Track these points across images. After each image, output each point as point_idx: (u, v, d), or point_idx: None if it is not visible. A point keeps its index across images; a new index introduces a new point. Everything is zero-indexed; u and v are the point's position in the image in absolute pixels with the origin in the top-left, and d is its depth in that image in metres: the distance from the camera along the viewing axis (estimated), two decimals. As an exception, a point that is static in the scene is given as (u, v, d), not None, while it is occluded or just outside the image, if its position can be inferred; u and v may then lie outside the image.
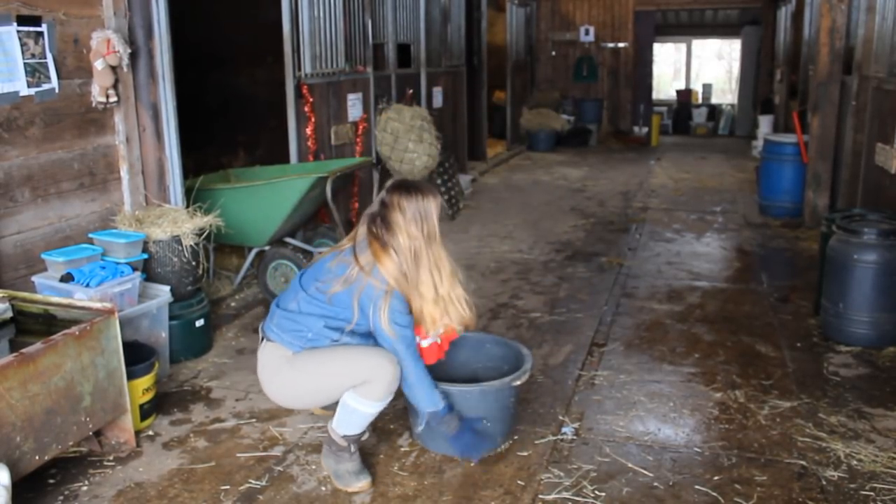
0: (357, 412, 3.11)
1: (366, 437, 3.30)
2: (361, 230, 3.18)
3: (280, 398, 3.25)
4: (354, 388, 3.07)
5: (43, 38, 3.95)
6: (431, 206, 3.13)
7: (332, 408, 3.26)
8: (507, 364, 3.59)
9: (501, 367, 3.60)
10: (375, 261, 3.06)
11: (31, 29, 3.88)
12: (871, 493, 3.08)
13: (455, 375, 3.64)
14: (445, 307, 3.19)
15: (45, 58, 3.98)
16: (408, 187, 3.15)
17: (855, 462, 3.31)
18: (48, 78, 4.01)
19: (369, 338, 3.20)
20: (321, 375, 3.09)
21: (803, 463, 3.31)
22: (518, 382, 3.34)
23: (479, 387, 3.29)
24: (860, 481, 3.17)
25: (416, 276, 3.10)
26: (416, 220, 3.09)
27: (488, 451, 3.39)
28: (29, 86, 3.90)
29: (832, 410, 3.78)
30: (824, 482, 3.17)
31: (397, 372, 3.08)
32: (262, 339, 3.24)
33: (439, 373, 3.54)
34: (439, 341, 3.31)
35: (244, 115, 8.27)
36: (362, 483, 3.14)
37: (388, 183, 3.23)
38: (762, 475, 3.22)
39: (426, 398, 3.15)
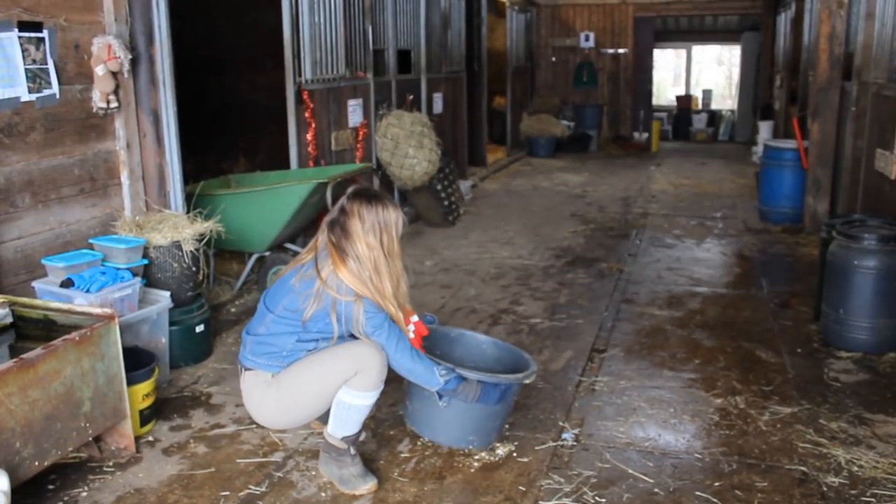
0: (353, 407, 3.10)
1: (362, 437, 3.30)
2: (321, 238, 3.15)
3: (274, 422, 3.25)
4: (347, 383, 3.06)
5: (44, 44, 3.96)
6: (391, 217, 3.11)
7: (327, 419, 3.25)
8: (500, 366, 3.59)
9: (493, 367, 3.61)
10: (335, 271, 3.04)
11: (33, 35, 3.89)
12: (873, 500, 3.08)
13: None
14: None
15: (46, 63, 3.98)
16: (369, 197, 3.12)
17: (856, 468, 3.30)
18: (49, 84, 4.02)
19: (343, 340, 3.18)
20: (310, 383, 3.08)
21: (804, 469, 3.31)
22: (527, 381, 3.35)
23: (495, 377, 3.29)
24: (861, 487, 3.16)
25: (381, 285, 3.08)
26: (375, 230, 3.06)
27: (485, 445, 3.42)
28: (30, 91, 3.91)
29: (833, 416, 3.78)
30: (825, 488, 3.16)
31: (384, 358, 3.08)
32: (241, 369, 3.23)
33: None
34: (413, 335, 3.30)
35: (244, 120, 8.29)
36: (369, 485, 3.14)
37: (350, 189, 3.20)
38: (763, 481, 3.22)
39: (426, 380, 3.15)
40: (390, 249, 3.11)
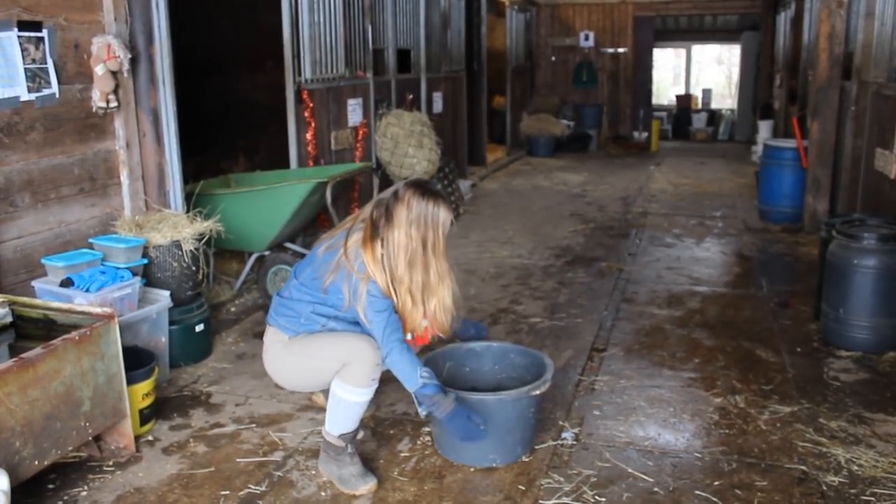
0: (344, 402, 3.11)
1: (360, 436, 3.30)
2: (366, 211, 3.17)
3: (279, 380, 3.34)
4: (338, 374, 3.08)
5: (43, 44, 3.96)
6: (440, 216, 3.09)
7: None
8: (530, 374, 3.57)
9: (524, 376, 3.59)
10: (361, 246, 3.06)
11: (32, 34, 3.89)
12: (872, 499, 3.08)
13: (479, 385, 3.66)
14: (431, 314, 3.17)
15: (46, 63, 3.98)
16: (424, 190, 3.10)
17: (855, 467, 3.30)
18: (48, 83, 4.02)
19: (357, 325, 3.19)
20: (309, 358, 3.14)
21: (804, 468, 3.31)
22: (537, 392, 3.30)
23: (497, 395, 3.27)
24: (861, 486, 3.17)
25: (408, 277, 3.08)
26: (419, 223, 3.05)
27: (510, 461, 3.37)
28: (29, 91, 3.91)
29: (832, 415, 3.78)
30: (825, 487, 3.16)
31: (377, 356, 3.06)
32: (268, 324, 3.34)
33: (463, 383, 3.55)
34: (411, 337, 3.28)
35: (244, 120, 8.28)
36: (369, 485, 3.14)
37: (410, 178, 3.21)
38: (762, 480, 3.22)
39: (406, 377, 3.08)
40: (434, 247, 3.10)
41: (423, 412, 3.23)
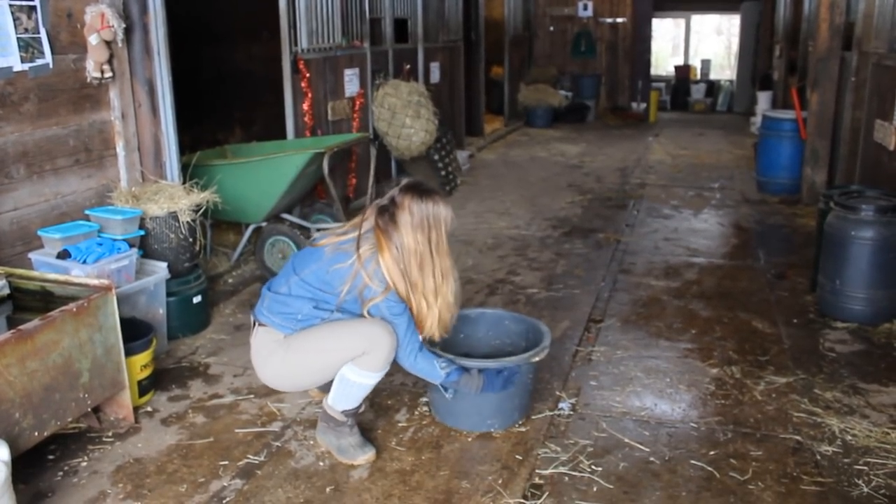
0: (356, 385, 3.11)
1: (362, 409, 3.31)
2: (369, 221, 3.12)
3: (277, 382, 3.24)
4: (353, 361, 3.06)
5: (36, 13, 3.91)
6: (441, 214, 3.08)
7: (327, 389, 3.26)
8: (524, 340, 3.60)
9: (519, 343, 3.62)
10: (378, 251, 3.02)
11: (24, 3, 3.84)
12: (865, 468, 3.11)
13: (474, 351, 3.68)
14: (440, 314, 3.18)
15: (39, 32, 3.94)
16: (420, 191, 3.08)
17: (849, 437, 3.33)
18: (42, 53, 3.98)
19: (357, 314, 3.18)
20: (318, 352, 3.08)
21: (798, 438, 3.34)
22: (537, 359, 3.34)
23: (499, 363, 3.29)
24: (854, 456, 3.19)
25: (421, 281, 3.07)
26: (424, 226, 3.04)
27: (507, 426, 3.41)
28: (22, 61, 3.87)
29: (827, 386, 3.80)
30: (819, 457, 3.19)
31: (394, 340, 3.07)
32: (254, 324, 3.22)
33: (458, 348, 3.56)
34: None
35: (240, 90, 8.23)
36: (368, 455, 3.16)
37: (403, 182, 3.17)
38: (757, 450, 3.25)
39: (429, 374, 3.18)
40: (438, 246, 3.09)
41: (450, 396, 3.29)
